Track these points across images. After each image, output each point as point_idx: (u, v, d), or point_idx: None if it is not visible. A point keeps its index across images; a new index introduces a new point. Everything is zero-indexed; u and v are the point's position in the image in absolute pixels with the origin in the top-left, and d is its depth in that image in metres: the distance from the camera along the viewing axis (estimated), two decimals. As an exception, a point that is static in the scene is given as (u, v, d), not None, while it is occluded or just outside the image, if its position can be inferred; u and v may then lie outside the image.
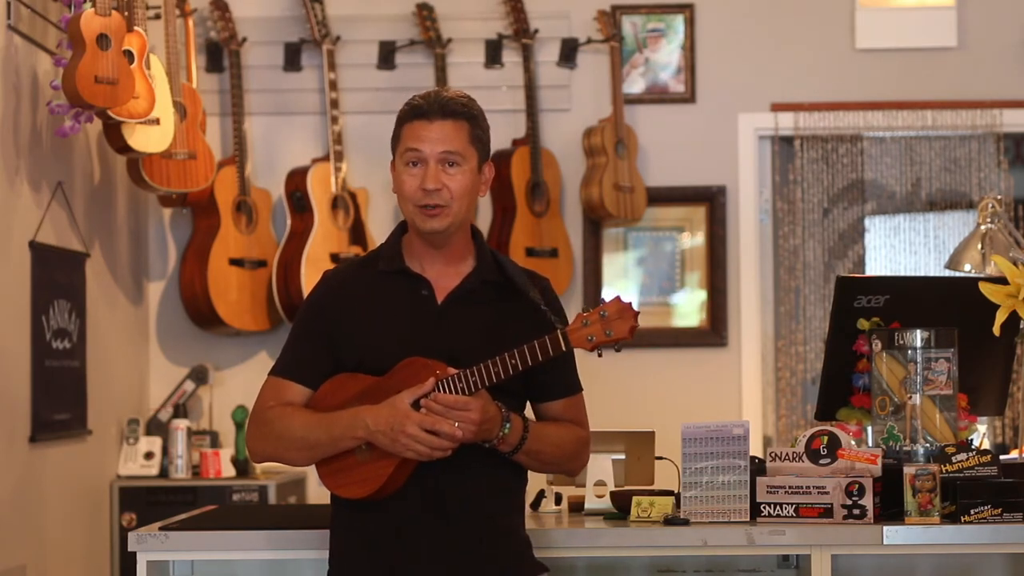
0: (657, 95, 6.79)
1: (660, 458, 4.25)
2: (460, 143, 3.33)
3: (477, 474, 3.32)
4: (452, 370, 3.25)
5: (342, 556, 3.40)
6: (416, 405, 3.24)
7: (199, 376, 6.51)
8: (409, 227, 3.41)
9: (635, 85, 6.78)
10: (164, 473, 6.26)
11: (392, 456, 3.26)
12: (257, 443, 3.39)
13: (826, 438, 3.87)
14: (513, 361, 3.24)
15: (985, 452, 3.89)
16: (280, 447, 3.36)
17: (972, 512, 3.77)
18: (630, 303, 3.27)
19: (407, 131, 3.36)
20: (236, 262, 6.40)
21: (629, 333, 3.26)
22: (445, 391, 3.24)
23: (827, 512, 3.79)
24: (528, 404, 3.45)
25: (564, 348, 3.26)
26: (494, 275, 3.40)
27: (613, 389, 6.56)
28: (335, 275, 3.49)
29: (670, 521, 3.85)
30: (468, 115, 3.35)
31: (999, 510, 3.78)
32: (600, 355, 3.32)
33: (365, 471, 3.29)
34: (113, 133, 5.52)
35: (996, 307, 4.08)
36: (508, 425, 3.28)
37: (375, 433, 3.24)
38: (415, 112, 3.36)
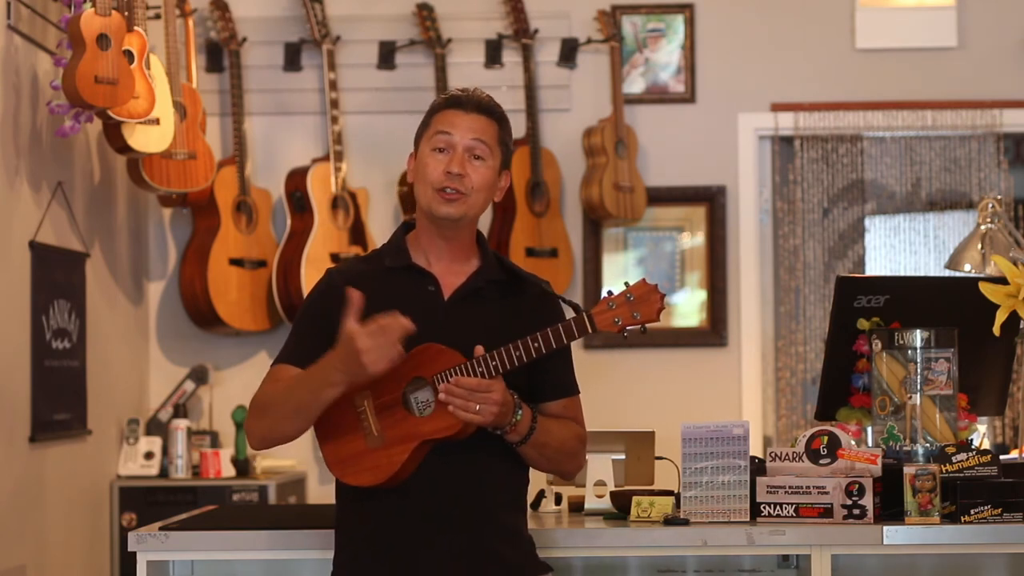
0: (657, 95, 6.79)
1: (660, 458, 4.25)
2: (489, 138, 3.37)
3: (483, 473, 3.33)
4: (470, 355, 3.25)
5: (347, 556, 3.39)
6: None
7: (199, 376, 6.51)
8: (419, 218, 3.42)
9: (635, 85, 6.79)
10: (164, 473, 6.26)
11: (405, 444, 3.25)
12: (252, 424, 3.37)
13: (826, 438, 3.87)
14: (536, 344, 3.25)
15: (985, 452, 3.89)
16: (270, 421, 3.34)
17: (972, 512, 3.77)
18: (655, 285, 3.30)
19: (439, 117, 3.38)
20: (236, 262, 6.41)
21: (656, 315, 3.29)
22: (467, 375, 3.24)
23: (827, 512, 3.79)
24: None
25: (590, 330, 3.27)
26: (499, 275, 3.41)
27: (613, 389, 6.57)
28: (339, 270, 3.49)
29: (670, 521, 3.85)
30: (500, 117, 3.41)
31: (999, 510, 3.78)
32: (626, 336, 3.33)
33: (377, 458, 3.28)
34: (113, 133, 5.52)
35: (996, 307, 4.08)
36: (520, 412, 3.29)
37: (345, 370, 3.21)
38: (451, 101, 3.39)
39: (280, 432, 3.36)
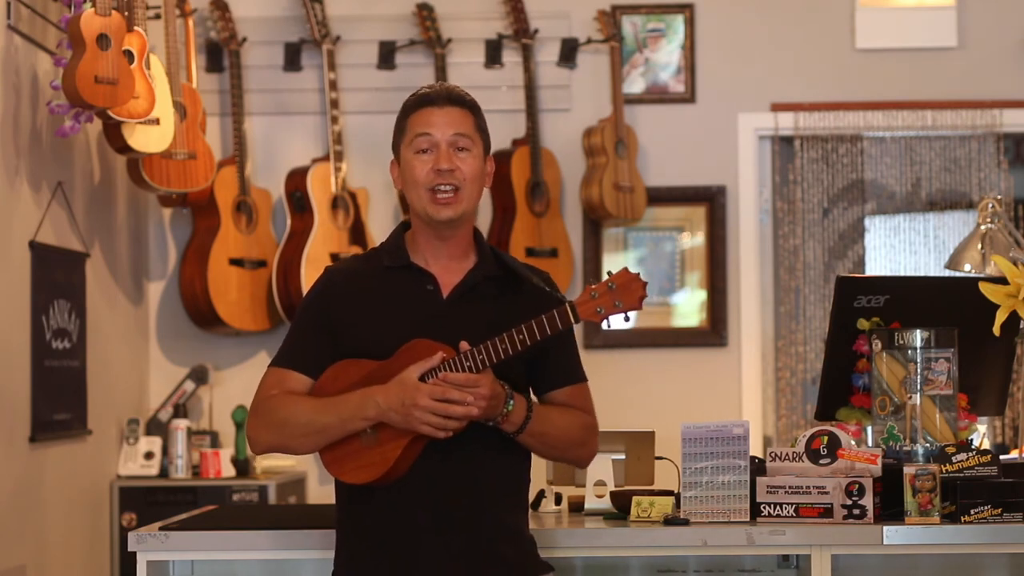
0: (657, 95, 6.79)
1: (660, 458, 4.25)
2: (468, 128, 3.38)
3: (478, 472, 3.33)
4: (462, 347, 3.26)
5: (347, 555, 3.39)
6: (424, 381, 3.25)
7: (199, 376, 6.51)
8: (416, 220, 3.42)
9: (635, 85, 6.79)
10: (164, 473, 6.26)
11: (398, 440, 3.26)
12: (260, 432, 3.38)
13: (826, 438, 3.87)
14: (521, 336, 3.24)
15: (985, 452, 3.89)
16: (285, 435, 3.35)
17: (972, 512, 3.77)
18: (637, 274, 3.28)
19: (415, 119, 3.38)
20: (236, 262, 6.41)
21: (638, 303, 3.27)
22: (453, 370, 3.24)
23: (827, 512, 3.79)
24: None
25: (573, 321, 3.26)
26: (496, 271, 3.41)
27: (613, 389, 6.57)
28: (337, 269, 3.51)
29: (670, 521, 3.85)
30: (472, 105, 3.41)
31: (999, 510, 3.78)
32: (609, 327, 3.33)
33: (372, 455, 3.28)
34: (113, 133, 5.52)
35: (996, 307, 4.08)
36: (511, 402, 3.29)
37: (387, 411, 3.24)
38: (422, 100, 3.39)
39: (292, 448, 3.39)
